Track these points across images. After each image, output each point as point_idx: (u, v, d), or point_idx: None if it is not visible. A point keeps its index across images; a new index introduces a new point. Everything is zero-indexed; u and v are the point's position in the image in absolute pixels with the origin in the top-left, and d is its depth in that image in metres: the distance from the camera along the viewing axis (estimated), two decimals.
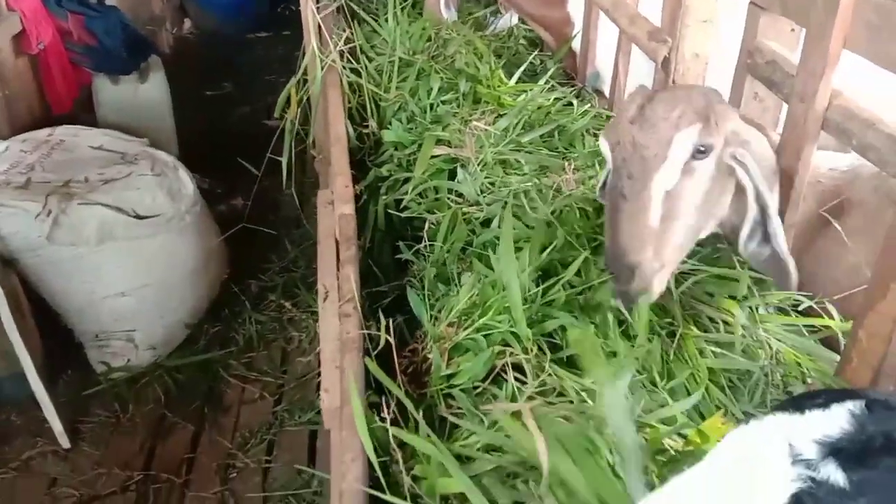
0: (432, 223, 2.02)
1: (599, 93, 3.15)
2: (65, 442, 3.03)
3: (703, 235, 1.73)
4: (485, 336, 1.58)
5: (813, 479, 0.72)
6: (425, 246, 1.99)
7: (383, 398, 1.53)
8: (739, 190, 1.67)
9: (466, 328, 1.58)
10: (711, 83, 2.24)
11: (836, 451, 0.74)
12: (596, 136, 2.65)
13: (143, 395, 3.27)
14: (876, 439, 0.75)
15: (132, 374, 3.32)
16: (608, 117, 2.76)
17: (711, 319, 1.80)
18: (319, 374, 3.31)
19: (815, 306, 1.84)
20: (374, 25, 3.20)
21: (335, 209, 1.81)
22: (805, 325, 1.77)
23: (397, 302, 1.88)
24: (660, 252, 1.59)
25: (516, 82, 2.96)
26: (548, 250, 1.76)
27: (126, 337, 3.32)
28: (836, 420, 0.77)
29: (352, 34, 2.95)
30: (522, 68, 3.02)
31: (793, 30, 1.84)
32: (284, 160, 2.70)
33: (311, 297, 3.70)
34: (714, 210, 1.69)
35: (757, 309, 1.78)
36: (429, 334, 1.64)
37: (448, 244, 1.93)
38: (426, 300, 1.74)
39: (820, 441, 0.75)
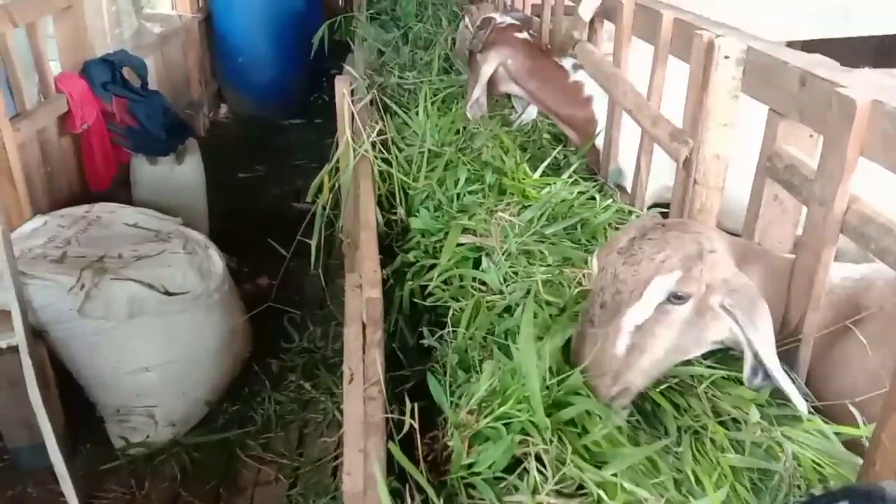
0: (456, 310, 2.05)
1: (621, 188, 3.22)
2: None
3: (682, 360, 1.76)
4: (505, 425, 1.59)
5: None
6: (448, 332, 2.02)
7: (406, 485, 1.54)
8: None
9: (487, 416, 1.59)
10: (734, 183, 2.32)
11: None
12: (618, 229, 2.71)
13: (160, 472, 3.27)
14: None
15: (150, 450, 3.33)
16: (630, 212, 2.82)
17: (734, 420, 1.80)
18: (336, 458, 3.36)
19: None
20: (404, 118, 3.33)
21: (363, 293, 1.86)
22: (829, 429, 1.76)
23: (418, 387, 1.91)
24: (620, 379, 1.66)
25: (540, 175, 3.04)
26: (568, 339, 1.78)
27: (147, 413, 3.35)
28: None
29: (384, 125, 3.07)
30: (547, 162, 3.10)
31: (811, 136, 1.90)
32: (314, 242, 2.78)
33: (332, 378, 3.72)
34: (691, 347, 1.73)
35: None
36: (449, 421, 1.66)
37: (470, 331, 1.96)
38: (447, 387, 1.76)
39: None
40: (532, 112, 3.76)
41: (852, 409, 1.77)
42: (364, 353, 1.70)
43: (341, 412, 3.54)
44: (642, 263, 1.65)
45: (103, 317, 3.17)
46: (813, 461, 1.66)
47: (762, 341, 1.63)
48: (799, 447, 1.71)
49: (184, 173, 4.78)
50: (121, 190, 4.70)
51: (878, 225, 1.56)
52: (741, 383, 1.88)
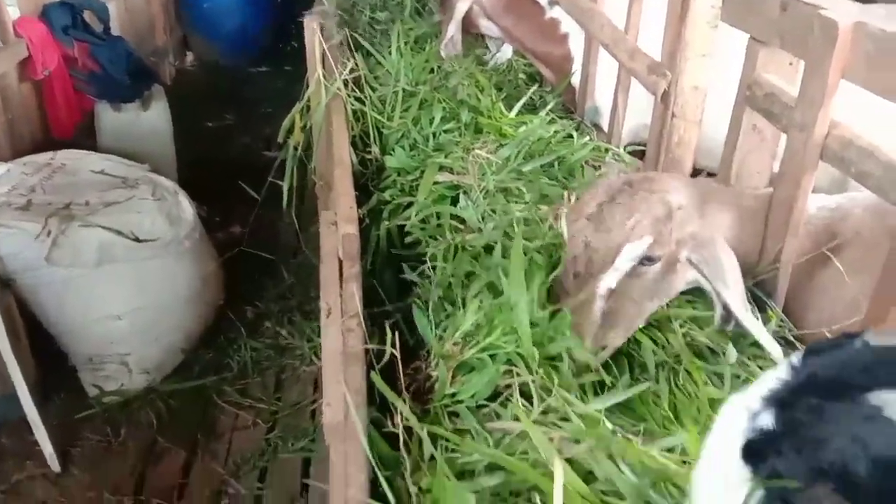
0: (436, 248, 2.03)
1: (598, 126, 3.20)
2: (55, 465, 2.99)
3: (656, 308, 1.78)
4: (491, 356, 1.58)
5: (754, 429, 0.85)
6: (429, 268, 2.00)
7: (387, 416, 1.53)
8: None
9: (472, 347, 1.58)
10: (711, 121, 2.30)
11: (773, 400, 0.86)
12: (595, 167, 2.69)
13: (136, 419, 3.25)
14: (802, 382, 0.87)
15: (125, 398, 3.30)
16: (607, 150, 2.81)
17: (712, 351, 1.81)
18: (315, 402, 3.36)
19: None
20: (378, 57, 3.26)
21: (338, 229, 1.83)
22: None
23: (400, 325, 1.89)
24: (600, 341, 1.68)
25: (517, 115, 3.00)
26: (553, 274, 1.78)
27: (120, 360, 3.31)
28: (780, 374, 0.89)
29: (356, 64, 3.00)
30: (522, 101, 3.07)
31: (791, 63, 1.88)
32: (286, 184, 2.73)
33: (307, 324, 3.70)
34: (663, 297, 1.76)
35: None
36: (434, 352, 1.64)
37: (451, 267, 1.94)
38: (431, 319, 1.75)
39: (765, 396, 0.87)
40: (507, 51, 3.70)
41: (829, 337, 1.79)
42: (341, 288, 1.67)
43: (319, 357, 3.56)
44: (612, 231, 1.66)
45: (71, 264, 3.10)
46: None
47: (731, 294, 1.65)
48: None
49: (150, 120, 4.66)
50: (85, 138, 4.58)
51: (858, 149, 1.55)
52: None
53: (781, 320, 1.88)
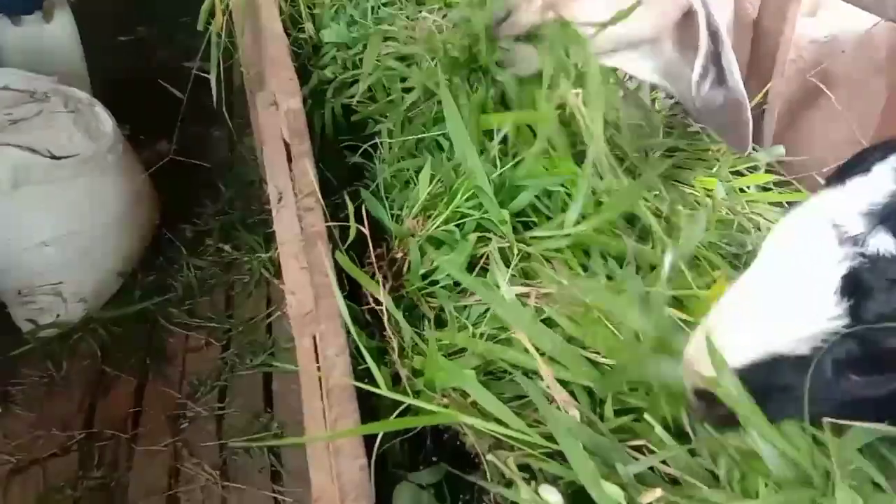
0: (384, 124, 1.82)
1: None
2: None
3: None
4: (457, 226, 1.41)
5: (864, 255, 0.67)
6: (380, 144, 1.81)
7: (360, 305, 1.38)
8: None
9: (435, 219, 1.41)
10: None
11: (884, 217, 0.69)
12: None
13: (78, 351, 3.03)
14: None
15: (63, 330, 3.06)
16: None
17: (697, 202, 1.68)
18: (269, 315, 3.18)
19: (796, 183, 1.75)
20: None
21: (279, 107, 1.60)
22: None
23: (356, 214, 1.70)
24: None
25: None
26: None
27: (52, 291, 3.05)
28: (880, 183, 0.71)
29: None
30: None
31: None
32: (213, 73, 2.44)
33: (252, 238, 3.48)
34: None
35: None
36: (394, 233, 1.47)
37: (400, 142, 1.75)
38: (384, 201, 1.56)
39: (865, 212, 0.70)
40: None
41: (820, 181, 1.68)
42: (291, 169, 1.47)
43: (268, 270, 3.37)
44: None
45: None
46: None
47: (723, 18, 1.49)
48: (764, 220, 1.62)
49: (54, 33, 4.23)
50: None
51: None
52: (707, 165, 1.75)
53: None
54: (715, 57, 1.51)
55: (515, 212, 1.43)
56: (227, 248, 3.49)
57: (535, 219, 1.46)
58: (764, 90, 1.68)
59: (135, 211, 3.32)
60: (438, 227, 1.40)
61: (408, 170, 1.65)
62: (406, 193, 1.61)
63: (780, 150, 1.70)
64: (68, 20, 4.32)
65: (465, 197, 1.43)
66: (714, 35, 1.48)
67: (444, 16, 2.22)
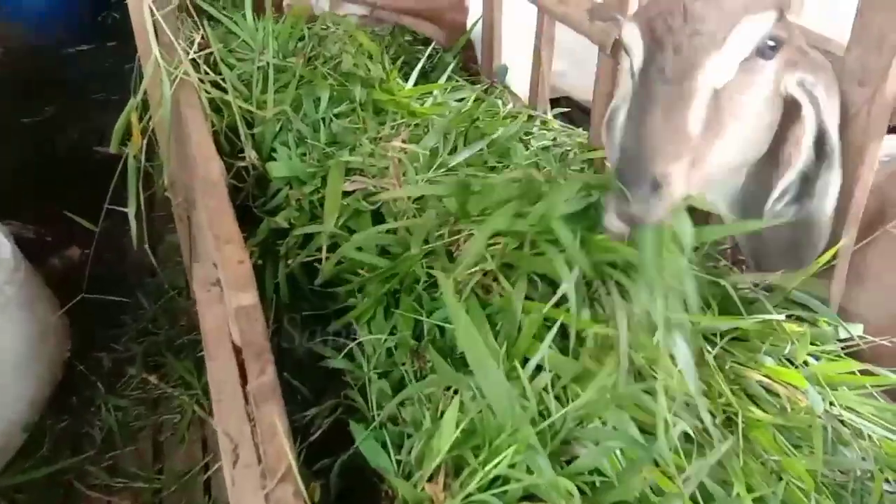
0: (362, 305, 1.40)
1: (511, 91, 2.68)
2: None
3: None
4: (497, 496, 1.00)
5: None
6: (357, 327, 1.39)
7: None
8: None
9: (462, 483, 1.00)
10: None
11: None
12: (527, 145, 2.15)
13: None
14: None
15: None
16: (544, 122, 2.28)
17: (768, 391, 1.32)
18: (206, 469, 2.69)
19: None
20: (229, 25, 2.53)
21: (227, 298, 1.18)
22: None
23: (332, 432, 1.27)
24: (699, 162, 1.15)
25: (415, 84, 2.41)
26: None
27: None
28: None
29: (204, 36, 2.28)
30: (419, 67, 2.48)
31: None
32: (131, 210, 2.00)
33: (182, 364, 3.00)
34: (761, 140, 1.29)
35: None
36: (402, 496, 1.04)
37: (388, 329, 1.34)
38: (387, 443, 1.13)
39: None
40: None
41: None
42: (250, 407, 1.03)
43: (202, 406, 2.88)
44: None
45: None
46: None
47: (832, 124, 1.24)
48: (861, 422, 1.27)
49: None
50: None
51: None
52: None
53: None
54: (805, 180, 1.28)
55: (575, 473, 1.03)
56: (152, 379, 2.99)
57: (595, 478, 1.05)
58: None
59: (41, 347, 2.80)
60: (471, 497, 0.98)
61: (406, 371, 1.24)
62: (419, 431, 1.17)
63: (859, 328, 1.37)
64: None
65: (497, 442, 1.02)
66: (828, 156, 1.24)
67: (413, 138, 1.84)
